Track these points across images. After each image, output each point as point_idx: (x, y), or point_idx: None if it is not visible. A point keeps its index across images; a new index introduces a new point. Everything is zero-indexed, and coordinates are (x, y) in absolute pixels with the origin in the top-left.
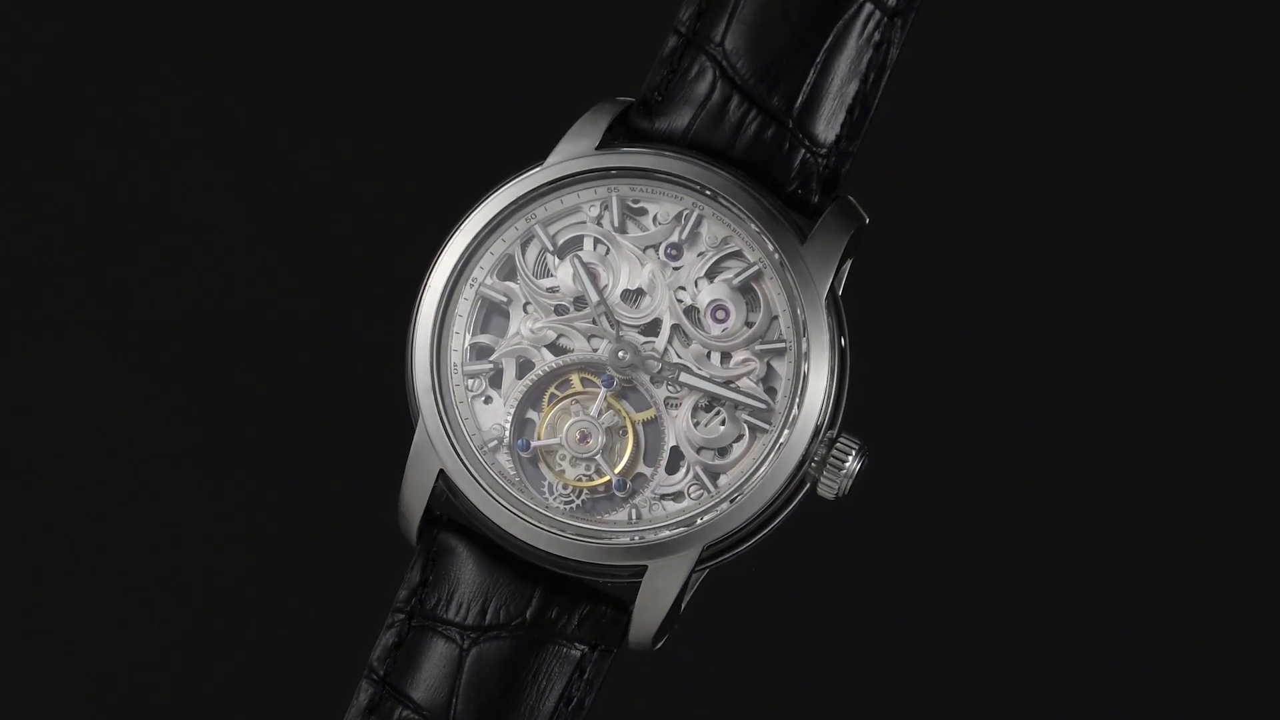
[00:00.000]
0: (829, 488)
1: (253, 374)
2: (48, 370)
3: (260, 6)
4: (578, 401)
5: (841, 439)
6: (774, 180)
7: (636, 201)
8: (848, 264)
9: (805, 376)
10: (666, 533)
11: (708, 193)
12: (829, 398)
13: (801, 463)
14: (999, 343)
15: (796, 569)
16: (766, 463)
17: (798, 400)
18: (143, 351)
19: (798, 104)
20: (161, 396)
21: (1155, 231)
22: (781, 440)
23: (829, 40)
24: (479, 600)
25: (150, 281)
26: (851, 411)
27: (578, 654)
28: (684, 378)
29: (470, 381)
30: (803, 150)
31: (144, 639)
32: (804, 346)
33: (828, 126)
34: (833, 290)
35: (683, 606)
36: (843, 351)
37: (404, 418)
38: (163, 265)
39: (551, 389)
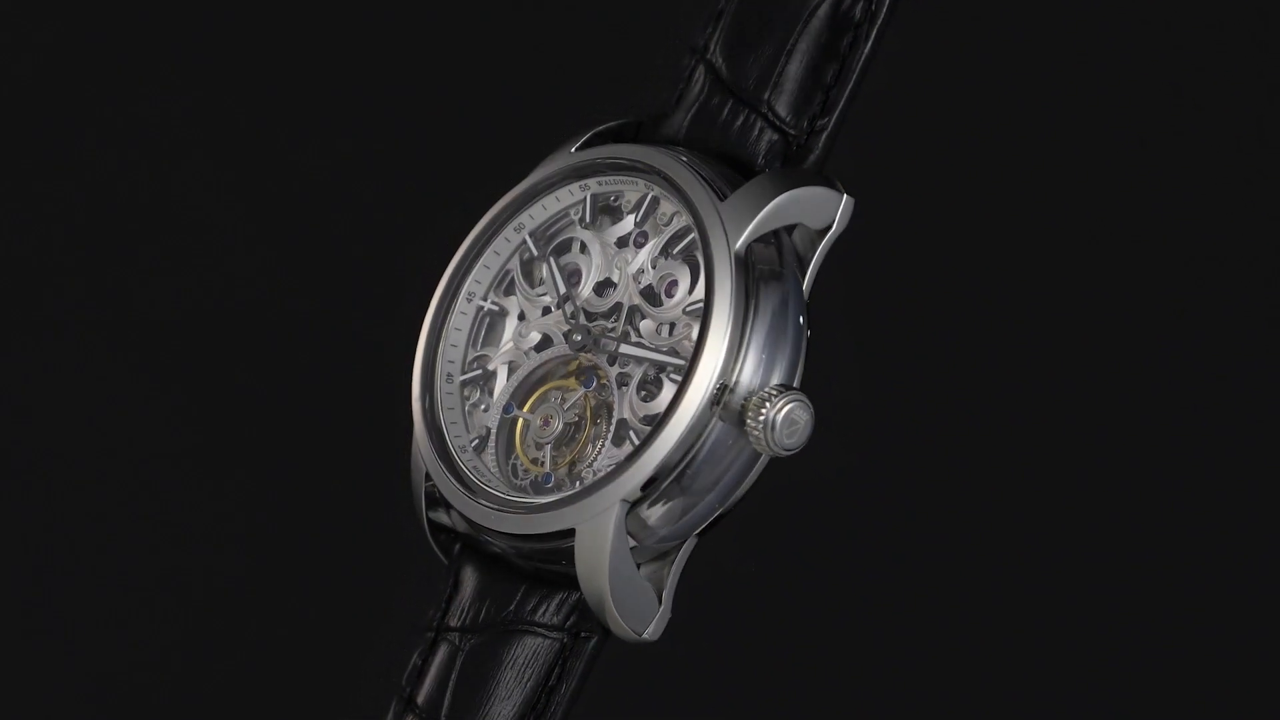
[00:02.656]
0: (757, 440)
1: (253, 374)
2: (48, 370)
3: (260, 6)
4: (559, 391)
5: (768, 389)
6: (748, 165)
7: (615, 199)
8: (821, 242)
9: (705, 329)
10: (584, 493)
11: (658, 174)
12: (739, 349)
13: (706, 409)
14: (994, 338)
15: (788, 566)
16: (671, 410)
17: (701, 352)
18: (143, 351)
19: (770, 88)
20: (161, 396)
21: (1153, 229)
22: (684, 390)
23: (803, 23)
24: (477, 603)
25: (150, 281)
26: (846, 403)
27: (558, 643)
28: (623, 349)
29: (468, 391)
30: (772, 132)
31: (144, 639)
32: (711, 302)
33: (800, 107)
34: (784, 264)
35: (668, 587)
36: (798, 325)
37: (404, 418)
38: (163, 265)
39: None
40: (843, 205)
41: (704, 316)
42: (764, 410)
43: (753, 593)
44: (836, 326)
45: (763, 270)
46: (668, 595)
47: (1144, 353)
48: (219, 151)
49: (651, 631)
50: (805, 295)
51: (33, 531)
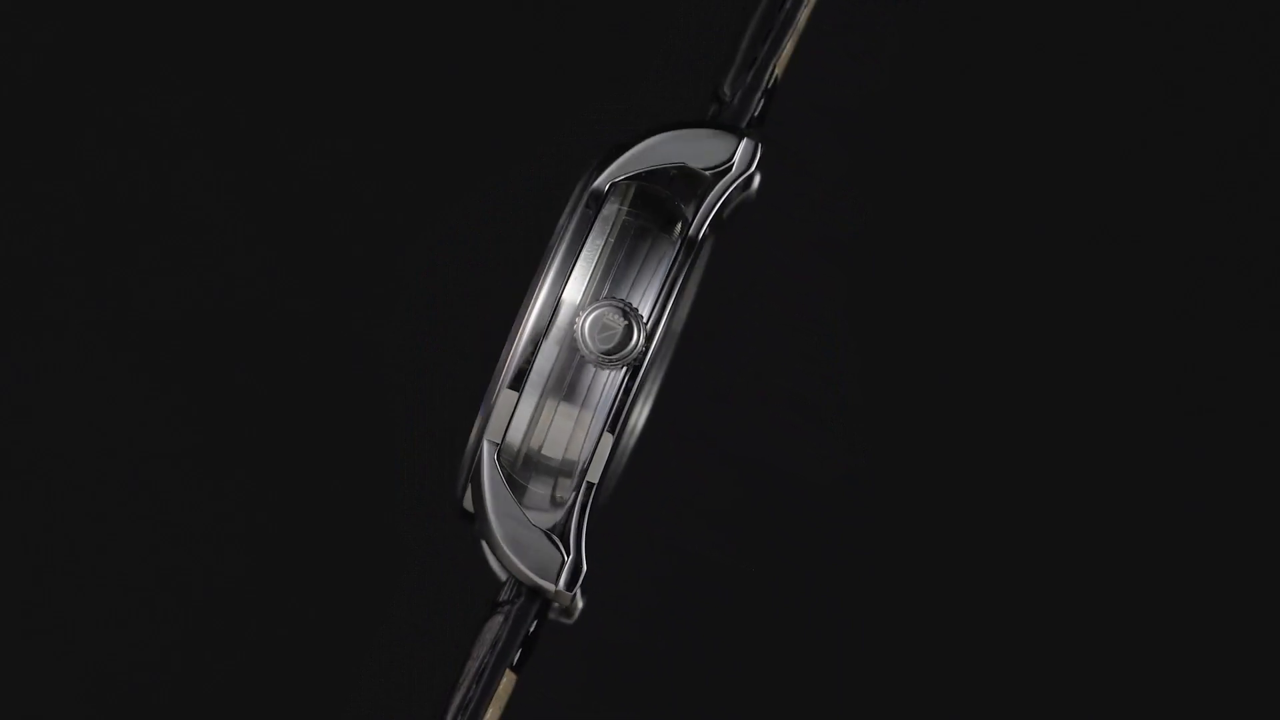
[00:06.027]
0: (582, 351)
1: (253, 374)
2: (48, 370)
3: (260, 6)
4: None
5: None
6: None
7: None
8: (720, 183)
9: (542, 260)
10: (472, 448)
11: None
12: (569, 273)
13: (539, 333)
14: (994, 337)
15: (786, 566)
16: (515, 339)
17: (537, 283)
18: (143, 351)
19: (729, 79)
20: (161, 396)
21: (1153, 229)
22: (526, 319)
23: (754, 23)
24: None
25: (150, 281)
26: (835, 399)
27: (509, 610)
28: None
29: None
30: (716, 105)
31: (144, 639)
32: (553, 234)
33: (737, 80)
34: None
35: (572, 534)
36: (674, 255)
37: (403, 418)
38: (163, 265)
39: None
40: (741, 147)
41: (561, 252)
42: (575, 321)
43: (752, 593)
44: (838, 327)
45: (632, 207)
46: (575, 544)
47: (1144, 353)
48: (219, 151)
49: (564, 583)
50: (695, 230)
51: (33, 531)
